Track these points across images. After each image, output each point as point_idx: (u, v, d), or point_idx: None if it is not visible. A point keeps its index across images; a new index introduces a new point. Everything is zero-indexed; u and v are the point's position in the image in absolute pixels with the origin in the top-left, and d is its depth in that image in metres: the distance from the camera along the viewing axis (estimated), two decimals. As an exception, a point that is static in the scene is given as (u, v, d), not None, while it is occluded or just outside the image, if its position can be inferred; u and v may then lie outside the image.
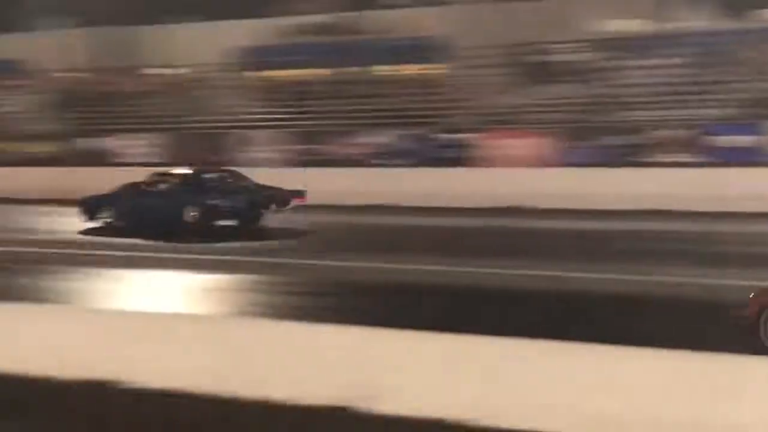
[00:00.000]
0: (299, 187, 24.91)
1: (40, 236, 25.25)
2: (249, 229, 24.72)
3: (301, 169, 28.65)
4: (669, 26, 36.08)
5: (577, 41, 36.45)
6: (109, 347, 11.82)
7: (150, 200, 24.94)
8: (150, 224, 24.53)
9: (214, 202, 24.37)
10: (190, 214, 24.42)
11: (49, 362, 11.78)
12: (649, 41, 35.51)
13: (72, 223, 26.20)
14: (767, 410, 6.99)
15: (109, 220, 25.40)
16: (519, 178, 31.19)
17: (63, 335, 12.25)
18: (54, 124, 41.96)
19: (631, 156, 32.15)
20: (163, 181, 25.38)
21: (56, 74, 45.33)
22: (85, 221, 25.76)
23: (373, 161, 35.27)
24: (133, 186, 25.58)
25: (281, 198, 24.80)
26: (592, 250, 20.57)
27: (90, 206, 25.90)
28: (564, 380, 7.95)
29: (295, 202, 24.84)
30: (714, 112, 32.45)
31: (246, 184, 25.42)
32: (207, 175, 25.72)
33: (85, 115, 41.57)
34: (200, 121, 39.50)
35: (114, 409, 10.76)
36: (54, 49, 45.64)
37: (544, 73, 36.11)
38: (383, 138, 36.04)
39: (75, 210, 26.31)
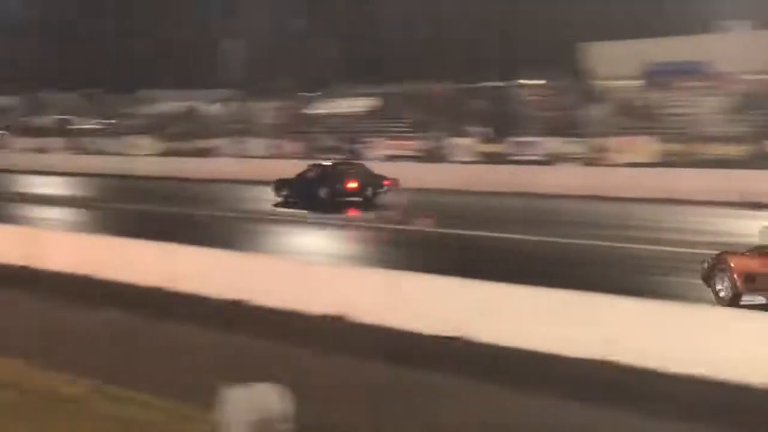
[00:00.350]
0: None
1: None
2: (370, 204, 35.53)
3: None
4: None
5: None
6: None
7: (304, 183, 36.74)
8: (304, 199, 36.01)
9: (336, 185, 35.88)
10: (321, 191, 35.69)
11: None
12: None
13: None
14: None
15: (285, 195, 37.20)
16: None
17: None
18: (739, 126, 42.12)
19: None
20: (311, 171, 37.23)
21: (742, 76, 45.46)
22: (275, 197, 37.25)
23: None
24: (300, 174, 37.33)
25: (377, 182, 36.09)
26: None
27: (278, 186, 37.69)
28: None
29: (386, 185, 35.80)
30: None
31: (358, 173, 36.88)
32: (334, 167, 37.69)
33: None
34: None
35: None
36: (739, 50, 45.79)
37: None
38: None
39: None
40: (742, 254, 17.79)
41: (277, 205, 36.62)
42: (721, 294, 17.61)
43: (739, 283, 17.36)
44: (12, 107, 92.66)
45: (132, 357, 15.68)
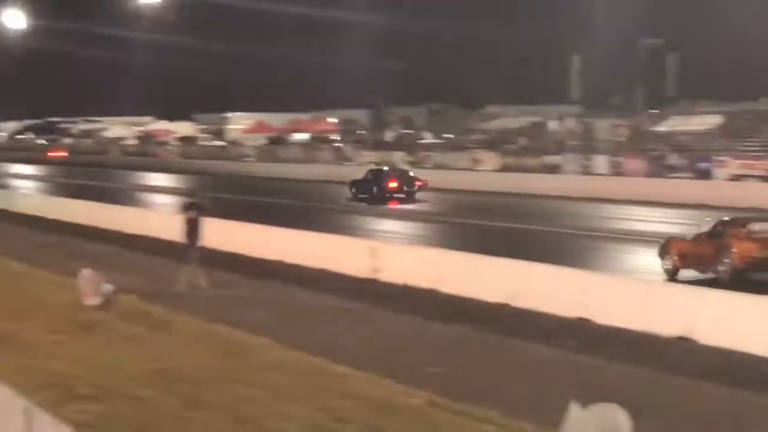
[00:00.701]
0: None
1: None
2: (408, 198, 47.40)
3: None
4: None
5: None
6: None
7: (365, 182, 49.33)
8: (364, 194, 48.29)
9: (382, 184, 48.26)
10: (374, 189, 48.09)
11: None
12: None
13: None
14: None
15: (354, 192, 49.50)
16: None
17: None
18: None
19: None
20: (369, 174, 49.76)
21: None
22: (350, 192, 49.71)
23: None
24: (364, 176, 49.85)
25: (411, 182, 48.56)
26: None
27: (351, 185, 50.15)
28: None
29: (417, 185, 48.54)
30: None
31: (399, 176, 49.60)
32: (382, 171, 50.15)
33: None
34: None
35: None
36: None
37: None
38: None
39: None
40: (682, 239, 24.13)
41: (350, 199, 48.81)
42: (665, 267, 23.84)
43: (676, 261, 23.60)
44: (361, 121, 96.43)
45: (473, 371, 15.92)
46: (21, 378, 13.84)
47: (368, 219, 41.27)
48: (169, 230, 28.23)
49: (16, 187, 62.26)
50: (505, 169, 60.78)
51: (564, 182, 53.47)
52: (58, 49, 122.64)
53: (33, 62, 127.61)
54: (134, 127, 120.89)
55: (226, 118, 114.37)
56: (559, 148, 62.38)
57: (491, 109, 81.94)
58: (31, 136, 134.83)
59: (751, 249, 22.20)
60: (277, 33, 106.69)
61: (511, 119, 75.32)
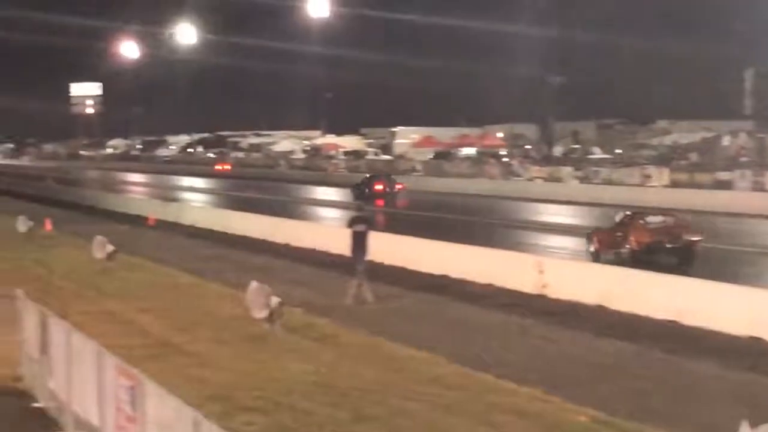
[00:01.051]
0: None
1: None
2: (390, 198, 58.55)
3: None
4: None
5: None
6: None
7: (361, 185, 60.33)
8: (360, 194, 57.13)
9: (371, 186, 60.24)
10: (366, 190, 58.61)
11: None
12: None
13: None
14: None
15: (354, 194, 58.90)
16: None
17: None
18: None
19: None
20: (365, 179, 62.04)
21: None
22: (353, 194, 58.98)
23: None
24: (361, 180, 62.01)
25: (393, 185, 60.82)
26: None
27: (352, 188, 60.74)
28: None
29: (398, 187, 60.90)
30: None
31: (384, 180, 61.42)
32: (372, 177, 62.70)
33: None
34: None
35: None
36: None
37: None
38: None
39: None
40: (601, 229, 30.99)
41: (354, 199, 55.76)
42: (591, 251, 29.98)
43: (596, 245, 29.88)
44: (529, 135, 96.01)
45: (642, 390, 15.74)
46: (190, 388, 14.22)
47: (533, 234, 41.02)
48: (336, 244, 28.64)
49: (185, 200, 63.81)
50: (674, 184, 59.76)
51: (735, 198, 52.23)
52: (228, 63, 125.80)
53: (204, 76, 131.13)
54: (303, 141, 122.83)
55: (393, 132, 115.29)
56: (732, 163, 61.06)
57: (661, 124, 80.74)
58: (200, 149, 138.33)
59: (644, 237, 28.78)
60: (446, 47, 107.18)
61: (683, 134, 74.06)
